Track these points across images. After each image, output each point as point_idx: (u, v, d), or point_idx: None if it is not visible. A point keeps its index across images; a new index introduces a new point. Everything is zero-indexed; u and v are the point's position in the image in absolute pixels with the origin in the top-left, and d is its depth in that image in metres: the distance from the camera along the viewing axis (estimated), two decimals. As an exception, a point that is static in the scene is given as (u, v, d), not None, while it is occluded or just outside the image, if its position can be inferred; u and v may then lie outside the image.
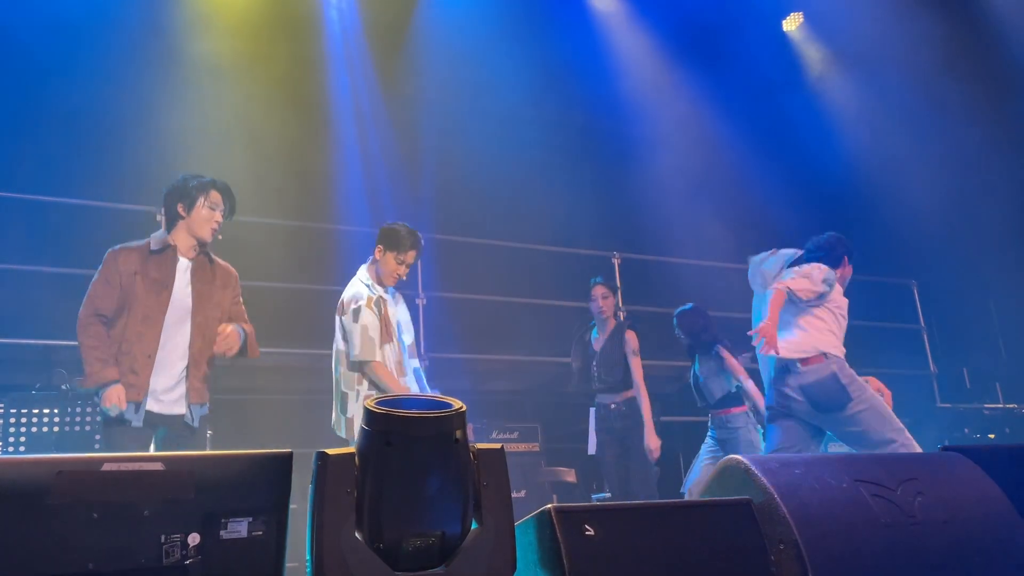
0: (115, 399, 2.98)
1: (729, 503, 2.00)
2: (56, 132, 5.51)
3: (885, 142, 7.74)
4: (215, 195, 3.29)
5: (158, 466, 1.51)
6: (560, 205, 7.14)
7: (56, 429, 3.98)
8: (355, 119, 7.06)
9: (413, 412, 1.59)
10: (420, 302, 5.92)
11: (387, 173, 7.08)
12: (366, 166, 7.02)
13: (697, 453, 4.85)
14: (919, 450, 3.48)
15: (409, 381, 3.66)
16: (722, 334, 4.88)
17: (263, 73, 6.35)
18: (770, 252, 4.21)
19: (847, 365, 3.70)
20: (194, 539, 1.49)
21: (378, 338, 3.49)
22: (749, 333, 3.69)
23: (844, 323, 3.88)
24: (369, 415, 1.60)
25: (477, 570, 1.61)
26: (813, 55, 8.45)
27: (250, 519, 1.54)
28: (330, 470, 1.58)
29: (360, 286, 3.61)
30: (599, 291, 4.86)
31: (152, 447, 3.10)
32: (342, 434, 3.52)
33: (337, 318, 3.63)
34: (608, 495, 4.82)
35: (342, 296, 3.64)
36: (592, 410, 4.86)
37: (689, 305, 4.96)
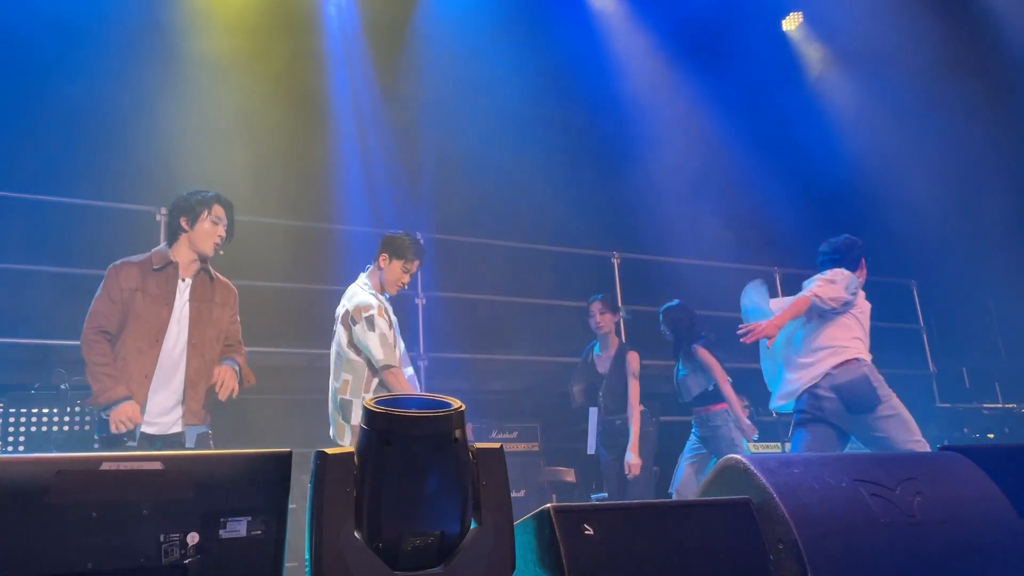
0: (126, 416, 2.95)
1: (728, 503, 2.00)
2: (55, 131, 5.51)
3: (885, 142, 7.74)
4: (218, 209, 3.28)
5: (157, 465, 1.51)
6: (560, 204, 7.14)
7: (55, 428, 3.98)
8: (354, 118, 7.06)
9: (412, 411, 1.59)
10: (420, 302, 5.92)
11: (386, 172, 7.08)
12: (365, 165, 7.02)
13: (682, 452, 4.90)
14: None
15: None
16: (706, 332, 4.92)
17: (262, 71, 6.35)
18: (752, 284, 4.18)
19: (876, 370, 3.71)
20: (193, 538, 1.49)
21: (392, 344, 3.52)
22: (741, 327, 3.68)
23: (868, 326, 3.88)
24: (369, 414, 1.60)
25: (476, 570, 1.61)
26: (813, 55, 8.46)
27: (249, 518, 1.54)
28: (329, 469, 1.58)
29: (366, 294, 3.60)
30: (596, 307, 4.92)
31: None
32: (345, 443, 3.48)
33: (339, 327, 3.59)
34: (606, 495, 4.83)
35: (346, 305, 3.59)
36: (592, 410, 4.88)
37: (675, 301, 5.03)
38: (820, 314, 3.79)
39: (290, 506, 1.61)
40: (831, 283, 3.78)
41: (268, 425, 5.40)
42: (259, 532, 1.54)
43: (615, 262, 6.85)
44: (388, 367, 3.46)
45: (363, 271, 3.80)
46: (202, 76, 6.17)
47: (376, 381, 3.51)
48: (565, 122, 7.83)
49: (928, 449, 3.50)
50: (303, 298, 5.92)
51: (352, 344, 3.51)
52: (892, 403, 3.60)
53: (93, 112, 5.56)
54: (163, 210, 5.23)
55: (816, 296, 3.72)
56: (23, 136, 5.44)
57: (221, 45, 6.29)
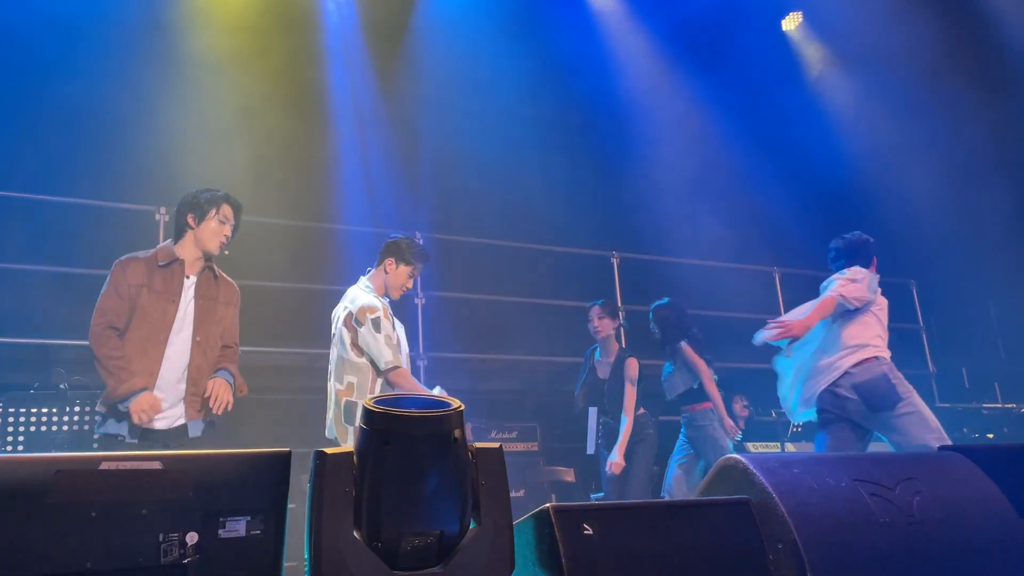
0: (148, 405, 2.94)
1: (727, 502, 2.00)
2: (55, 130, 5.51)
3: (884, 141, 7.74)
4: (227, 209, 3.27)
5: (156, 465, 1.51)
6: (559, 204, 7.15)
7: (55, 428, 3.98)
8: (354, 116, 7.06)
9: (411, 411, 1.59)
10: (419, 302, 5.92)
11: (385, 171, 7.08)
12: (365, 164, 7.02)
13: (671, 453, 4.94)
14: None
15: None
16: (694, 330, 4.94)
17: (261, 69, 6.35)
18: None
19: (896, 368, 3.71)
20: (192, 538, 1.49)
21: (397, 346, 3.54)
22: (771, 323, 3.67)
23: (886, 322, 3.88)
24: (368, 414, 1.60)
25: (475, 569, 1.61)
26: (812, 54, 8.46)
27: (248, 518, 1.54)
28: (329, 469, 1.58)
29: (370, 296, 3.60)
30: (594, 312, 4.94)
31: None
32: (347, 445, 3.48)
33: (342, 328, 3.56)
34: (605, 495, 4.83)
35: (349, 307, 3.58)
36: (592, 410, 4.88)
37: (665, 300, 5.08)
38: (842, 313, 3.79)
39: (289, 506, 1.61)
40: (853, 282, 3.77)
41: (267, 425, 5.40)
42: (258, 532, 1.54)
43: (614, 262, 6.85)
44: (395, 368, 3.48)
45: (363, 274, 3.79)
46: (202, 75, 6.17)
47: (380, 382, 3.51)
48: (565, 121, 7.83)
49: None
50: (302, 298, 5.92)
51: (356, 346, 3.51)
52: (912, 401, 3.59)
53: (93, 112, 5.56)
54: (162, 209, 5.23)
55: (841, 296, 3.71)
56: (23, 136, 5.44)
57: (221, 44, 6.29)
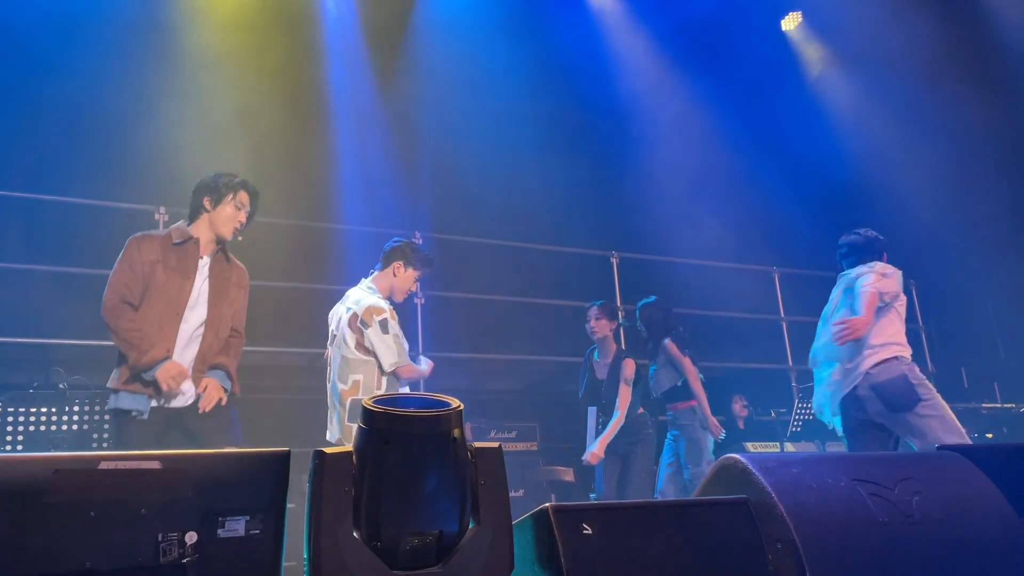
0: (176, 371, 2.93)
1: (726, 502, 2.00)
2: (54, 129, 5.51)
3: (884, 141, 7.74)
4: (243, 196, 3.26)
5: (155, 464, 1.51)
6: (559, 204, 7.15)
7: (54, 428, 3.97)
8: (353, 115, 7.05)
9: (411, 411, 1.59)
10: (419, 301, 5.92)
11: (385, 171, 7.08)
12: (364, 163, 7.01)
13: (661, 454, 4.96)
14: None
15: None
16: (680, 328, 4.96)
17: (260, 68, 6.34)
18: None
19: (916, 368, 3.70)
20: (191, 538, 1.49)
21: (404, 347, 3.59)
22: (837, 321, 3.65)
23: (904, 316, 3.86)
24: (367, 414, 1.60)
25: (474, 569, 1.61)
26: (812, 54, 8.45)
27: (248, 518, 1.54)
28: (328, 469, 1.57)
29: (375, 297, 3.62)
30: (592, 312, 4.96)
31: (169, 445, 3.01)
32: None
33: (345, 330, 3.56)
34: (603, 495, 4.84)
35: (353, 308, 3.58)
36: (592, 410, 4.88)
37: (652, 298, 5.14)
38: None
39: (288, 505, 1.61)
40: (885, 276, 3.76)
41: (267, 424, 5.40)
42: (257, 531, 1.54)
43: (614, 262, 6.85)
44: (402, 366, 3.54)
45: (365, 276, 3.79)
46: (201, 73, 6.17)
47: (386, 381, 3.53)
48: (564, 121, 7.82)
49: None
50: (302, 297, 5.92)
51: (362, 346, 3.52)
52: (933, 402, 3.57)
53: (92, 111, 5.55)
54: (162, 208, 5.24)
55: (881, 291, 3.69)
56: (23, 135, 5.43)
57: (220, 42, 6.29)
